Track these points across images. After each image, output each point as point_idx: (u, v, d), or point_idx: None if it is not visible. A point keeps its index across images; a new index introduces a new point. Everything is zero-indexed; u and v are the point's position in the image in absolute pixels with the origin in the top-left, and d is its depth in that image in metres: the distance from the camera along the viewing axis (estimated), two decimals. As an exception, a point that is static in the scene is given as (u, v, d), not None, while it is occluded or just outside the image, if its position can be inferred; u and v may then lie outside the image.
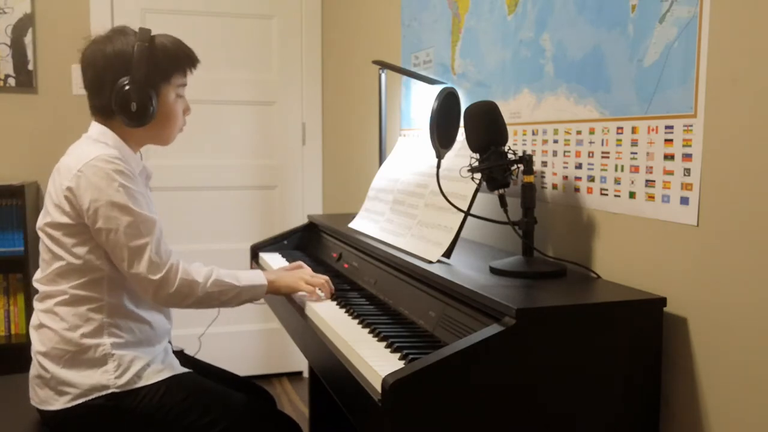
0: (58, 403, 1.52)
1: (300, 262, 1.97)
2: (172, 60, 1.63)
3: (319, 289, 1.76)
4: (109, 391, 1.51)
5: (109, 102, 1.57)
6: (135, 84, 1.55)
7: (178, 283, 1.53)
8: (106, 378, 1.52)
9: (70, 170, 1.52)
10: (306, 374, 3.47)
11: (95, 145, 1.57)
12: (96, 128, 1.63)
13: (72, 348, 1.53)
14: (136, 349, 1.57)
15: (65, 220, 1.52)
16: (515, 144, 1.81)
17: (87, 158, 1.51)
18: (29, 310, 2.95)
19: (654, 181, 1.37)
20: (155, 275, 1.51)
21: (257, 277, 1.69)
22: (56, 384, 1.52)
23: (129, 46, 1.57)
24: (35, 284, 1.61)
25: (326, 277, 1.78)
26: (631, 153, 1.42)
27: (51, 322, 1.54)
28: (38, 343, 1.56)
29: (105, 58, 1.58)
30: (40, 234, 1.58)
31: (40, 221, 1.58)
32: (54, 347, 1.53)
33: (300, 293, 1.78)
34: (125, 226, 1.49)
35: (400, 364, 1.24)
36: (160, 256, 1.52)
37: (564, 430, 1.23)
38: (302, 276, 1.77)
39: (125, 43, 1.58)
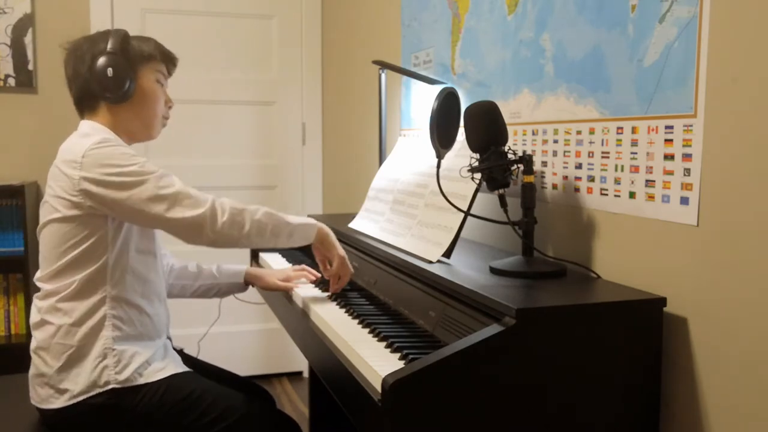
0: (59, 402, 1.52)
1: (304, 266, 1.98)
2: (150, 47, 1.69)
3: (335, 278, 1.77)
4: (110, 387, 1.51)
5: (88, 81, 1.61)
6: (111, 57, 1.60)
7: (228, 211, 1.55)
8: (106, 374, 1.52)
9: (76, 162, 1.52)
10: (306, 374, 3.48)
11: (89, 136, 1.58)
12: (86, 125, 1.65)
13: (75, 342, 1.53)
14: (136, 342, 1.58)
15: (75, 212, 1.52)
16: (515, 144, 1.81)
17: (85, 147, 1.53)
18: (29, 310, 2.94)
19: (654, 181, 1.37)
20: (200, 209, 1.52)
21: (308, 220, 1.71)
22: (57, 381, 1.53)
23: (109, 35, 1.64)
24: (37, 283, 1.61)
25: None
26: (631, 153, 1.42)
27: (54, 318, 1.55)
28: (39, 340, 1.57)
29: (83, 48, 1.64)
30: (44, 231, 1.58)
31: (45, 217, 1.58)
32: (57, 343, 1.54)
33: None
34: (152, 184, 1.51)
35: (400, 364, 1.24)
36: (198, 196, 1.54)
37: (564, 429, 1.23)
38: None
39: (105, 34, 1.65)
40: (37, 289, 1.61)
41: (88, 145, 1.53)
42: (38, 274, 1.62)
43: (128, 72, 1.62)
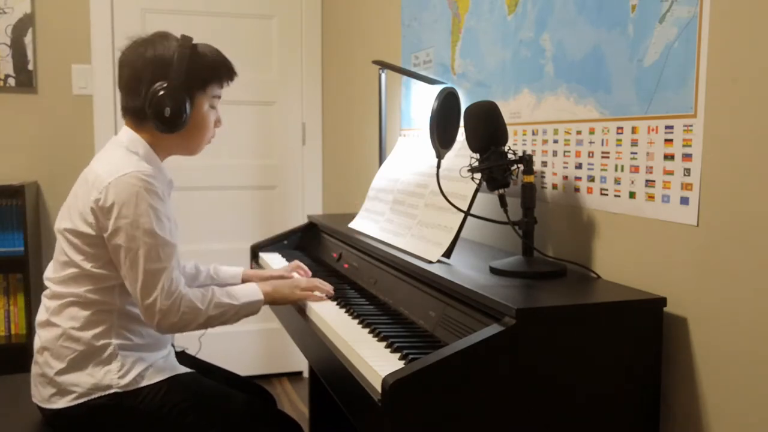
0: (61, 402, 1.52)
1: (297, 261, 1.97)
2: (211, 70, 1.62)
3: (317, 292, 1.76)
4: (112, 391, 1.52)
5: (143, 105, 1.55)
6: (171, 90, 1.54)
7: (182, 310, 1.51)
8: (109, 378, 1.52)
9: (101, 182, 1.49)
10: (306, 374, 3.48)
11: (127, 156, 1.55)
12: (127, 134, 1.61)
13: (80, 347, 1.53)
14: (141, 351, 1.58)
15: (87, 230, 1.51)
16: (515, 144, 1.81)
17: (119, 172, 1.49)
18: (29, 310, 2.95)
19: (654, 181, 1.37)
20: (164, 303, 1.49)
21: (253, 293, 1.66)
22: (60, 382, 1.53)
23: (170, 51, 1.56)
24: (46, 282, 1.61)
25: (318, 280, 1.77)
26: (631, 153, 1.42)
27: (60, 320, 1.54)
28: (44, 340, 1.56)
29: (144, 60, 1.56)
30: (59, 236, 1.57)
31: (61, 223, 1.57)
32: (62, 345, 1.53)
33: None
34: (146, 249, 1.47)
35: (400, 364, 1.24)
36: (172, 284, 1.50)
37: (564, 429, 1.23)
38: (297, 284, 1.76)
39: (166, 47, 1.57)
40: (39, 287, 1.61)
41: (123, 171, 1.49)
42: (49, 273, 1.61)
43: (185, 107, 1.55)
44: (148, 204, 1.48)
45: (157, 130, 1.58)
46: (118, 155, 1.56)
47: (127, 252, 1.48)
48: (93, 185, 1.51)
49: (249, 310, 1.65)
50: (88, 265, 1.53)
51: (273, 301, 1.72)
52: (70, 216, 1.55)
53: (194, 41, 1.59)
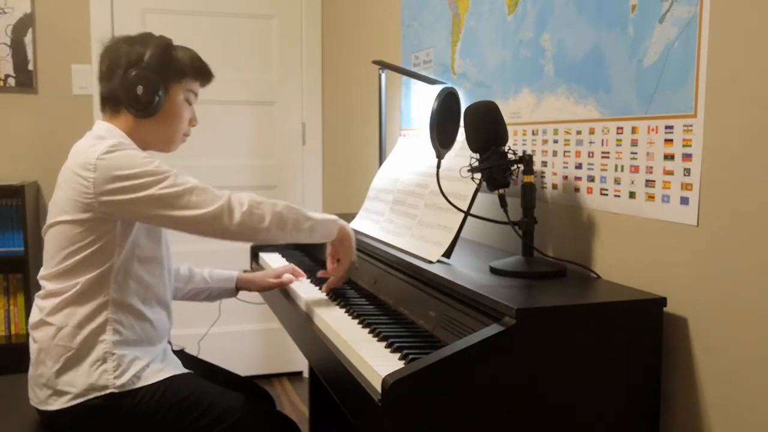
0: (57, 404, 1.52)
1: (291, 264, 1.98)
2: (187, 62, 1.68)
3: (336, 278, 1.77)
4: (108, 391, 1.51)
5: (118, 88, 1.60)
6: (146, 71, 1.59)
7: (247, 203, 1.53)
8: (105, 378, 1.51)
9: (89, 161, 1.51)
10: (306, 374, 3.48)
11: (102, 139, 1.58)
12: (102, 126, 1.64)
13: (74, 345, 1.52)
14: (136, 348, 1.57)
15: (84, 215, 1.51)
16: (515, 144, 1.81)
17: (99, 151, 1.52)
18: (29, 310, 2.94)
19: (654, 181, 1.37)
20: (217, 203, 1.51)
21: (330, 217, 1.69)
22: (55, 384, 1.52)
23: (148, 43, 1.63)
24: (41, 281, 1.60)
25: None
26: (631, 153, 1.42)
27: (55, 319, 1.54)
28: (39, 341, 1.56)
29: (122, 50, 1.63)
30: (51, 231, 1.57)
31: (52, 218, 1.57)
32: (56, 344, 1.53)
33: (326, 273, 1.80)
34: (168, 179, 1.50)
35: (400, 364, 1.24)
36: (211, 189, 1.53)
37: (564, 429, 1.23)
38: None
39: (146, 41, 1.64)
40: (39, 287, 1.61)
41: (101, 149, 1.52)
42: (42, 272, 1.61)
43: (158, 90, 1.60)
44: (141, 157, 1.53)
45: (132, 115, 1.63)
46: (91, 140, 1.59)
47: (147, 201, 1.50)
48: (82, 168, 1.52)
49: (325, 228, 1.67)
50: (86, 251, 1.52)
51: (344, 236, 1.71)
52: (63, 209, 1.55)
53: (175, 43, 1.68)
